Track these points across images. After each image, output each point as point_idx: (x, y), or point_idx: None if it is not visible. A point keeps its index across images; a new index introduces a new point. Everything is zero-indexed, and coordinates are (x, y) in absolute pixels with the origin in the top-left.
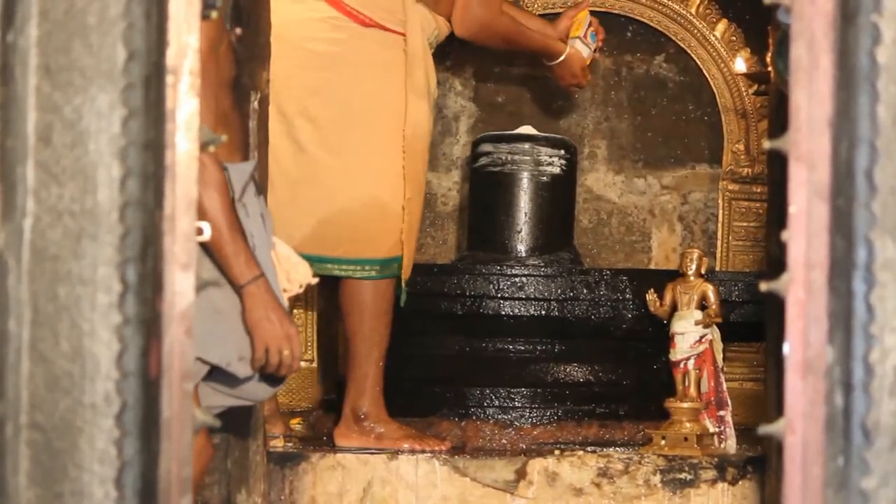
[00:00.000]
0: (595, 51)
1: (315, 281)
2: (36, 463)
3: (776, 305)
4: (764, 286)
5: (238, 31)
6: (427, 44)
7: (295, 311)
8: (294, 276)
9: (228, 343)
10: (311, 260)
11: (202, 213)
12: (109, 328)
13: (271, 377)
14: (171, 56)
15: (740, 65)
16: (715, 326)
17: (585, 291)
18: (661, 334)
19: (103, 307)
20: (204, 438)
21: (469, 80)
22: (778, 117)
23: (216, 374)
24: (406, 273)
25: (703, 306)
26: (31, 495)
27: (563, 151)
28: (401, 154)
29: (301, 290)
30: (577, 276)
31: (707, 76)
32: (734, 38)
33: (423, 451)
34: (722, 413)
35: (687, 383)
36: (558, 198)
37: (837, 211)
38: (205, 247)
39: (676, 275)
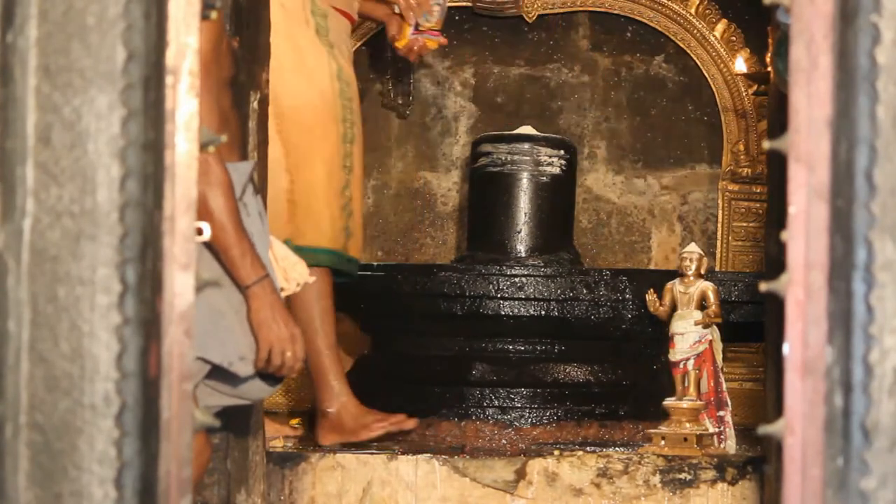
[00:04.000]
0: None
1: (312, 280)
2: (35, 463)
3: (776, 306)
4: (763, 287)
5: (237, 38)
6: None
7: None
8: (292, 274)
9: (229, 342)
10: None
11: (207, 214)
12: (109, 329)
13: (270, 376)
14: (171, 56)
15: (740, 65)
16: (715, 326)
17: (585, 291)
18: (660, 334)
19: (103, 308)
20: (203, 439)
21: (469, 80)
22: (778, 118)
23: (215, 374)
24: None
25: (702, 306)
26: (31, 496)
27: (562, 152)
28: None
29: (298, 289)
30: (576, 276)
31: (707, 76)
32: (734, 38)
33: (399, 434)
34: (721, 413)
35: (686, 383)
36: (558, 198)
37: (837, 211)
38: (208, 246)
39: (676, 275)
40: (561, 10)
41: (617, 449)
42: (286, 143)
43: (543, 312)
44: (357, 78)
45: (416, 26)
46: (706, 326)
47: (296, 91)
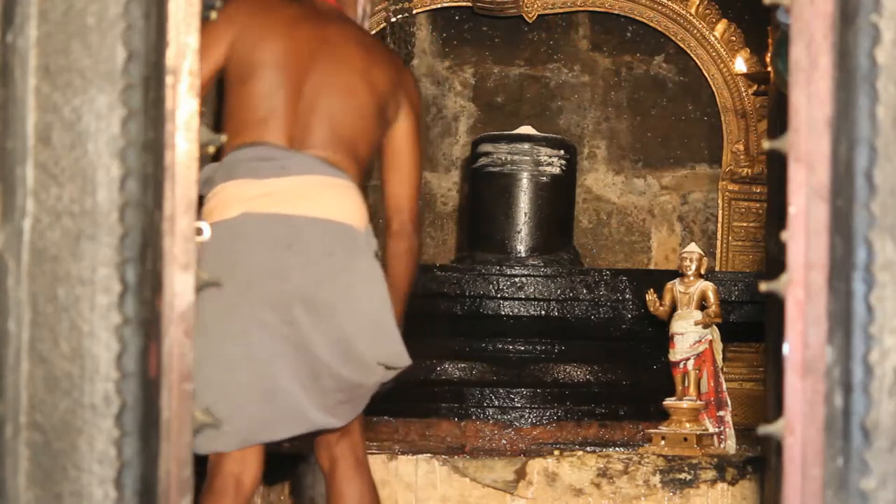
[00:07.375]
0: None
1: None
2: (35, 463)
3: (776, 306)
4: (763, 286)
5: None
6: None
7: None
8: None
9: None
10: None
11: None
12: (109, 329)
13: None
14: (171, 56)
15: (740, 65)
16: (714, 326)
17: (585, 291)
18: (660, 334)
19: (103, 308)
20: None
21: (469, 80)
22: (778, 118)
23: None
24: None
25: (702, 306)
26: (31, 496)
27: (562, 152)
28: None
29: None
30: (577, 276)
31: (707, 76)
32: (734, 38)
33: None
34: (721, 413)
35: (686, 383)
36: (558, 198)
37: (837, 211)
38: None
39: (676, 275)
40: (561, 10)
41: (617, 449)
42: None
43: (543, 312)
44: None
45: None
46: (706, 326)
47: None
